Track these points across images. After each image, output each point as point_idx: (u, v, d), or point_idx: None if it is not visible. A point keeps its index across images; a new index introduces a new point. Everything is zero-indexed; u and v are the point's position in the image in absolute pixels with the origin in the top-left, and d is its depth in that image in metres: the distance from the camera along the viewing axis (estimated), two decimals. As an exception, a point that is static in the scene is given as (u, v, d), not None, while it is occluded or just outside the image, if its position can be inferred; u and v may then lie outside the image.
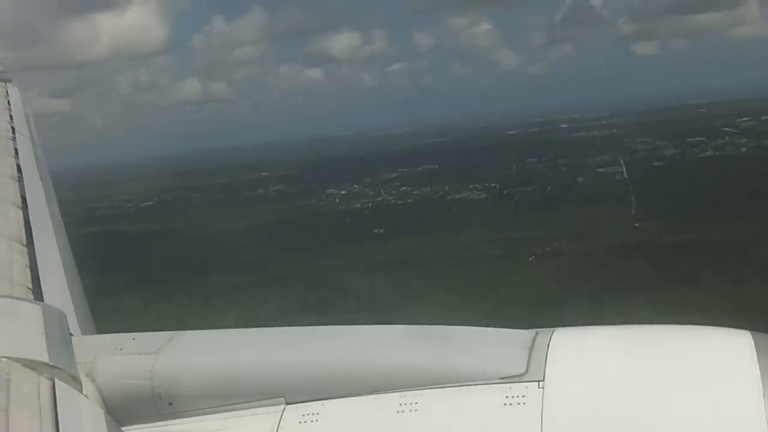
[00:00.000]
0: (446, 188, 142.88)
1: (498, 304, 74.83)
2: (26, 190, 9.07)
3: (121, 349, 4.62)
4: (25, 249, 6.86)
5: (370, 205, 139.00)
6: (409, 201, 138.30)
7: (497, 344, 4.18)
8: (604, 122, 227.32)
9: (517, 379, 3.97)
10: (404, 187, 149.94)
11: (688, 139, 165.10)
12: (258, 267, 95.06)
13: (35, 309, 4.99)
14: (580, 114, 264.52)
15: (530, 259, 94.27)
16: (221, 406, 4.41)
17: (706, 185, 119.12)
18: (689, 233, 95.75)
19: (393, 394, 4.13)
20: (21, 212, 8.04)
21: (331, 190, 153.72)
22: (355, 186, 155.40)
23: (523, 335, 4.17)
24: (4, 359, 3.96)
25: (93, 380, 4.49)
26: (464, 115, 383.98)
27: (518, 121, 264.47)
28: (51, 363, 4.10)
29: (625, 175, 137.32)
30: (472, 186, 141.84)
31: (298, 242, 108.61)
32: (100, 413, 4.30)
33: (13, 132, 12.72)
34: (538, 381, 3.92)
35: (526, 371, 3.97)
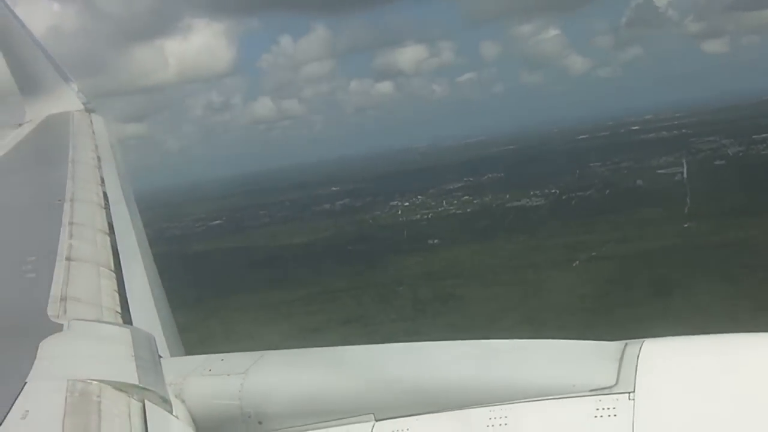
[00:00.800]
0: (507, 196, 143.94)
1: (530, 313, 76.94)
2: (113, 217, 9.51)
3: (210, 370, 4.70)
4: (114, 274, 7.11)
5: (429, 215, 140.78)
6: (468, 210, 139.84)
7: (586, 356, 4.16)
8: (675, 122, 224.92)
9: (607, 391, 3.95)
10: (466, 197, 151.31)
11: (754, 136, 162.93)
12: (305, 281, 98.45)
13: (124, 332, 5.12)
14: (653, 115, 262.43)
15: (574, 264, 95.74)
16: (310, 424, 4.47)
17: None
18: (734, 232, 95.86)
19: (482, 409, 4.13)
20: (108, 238, 8.40)
21: (395, 202, 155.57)
22: (419, 197, 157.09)
23: (612, 347, 4.15)
24: (95, 382, 4.02)
25: (183, 401, 4.57)
26: (538, 122, 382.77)
27: (592, 125, 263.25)
28: (141, 385, 4.19)
29: (684, 176, 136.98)
30: (532, 193, 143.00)
31: (349, 255, 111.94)
32: None
33: (99, 161, 13.47)
34: (629, 393, 3.90)
35: (616, 383, 3.95)
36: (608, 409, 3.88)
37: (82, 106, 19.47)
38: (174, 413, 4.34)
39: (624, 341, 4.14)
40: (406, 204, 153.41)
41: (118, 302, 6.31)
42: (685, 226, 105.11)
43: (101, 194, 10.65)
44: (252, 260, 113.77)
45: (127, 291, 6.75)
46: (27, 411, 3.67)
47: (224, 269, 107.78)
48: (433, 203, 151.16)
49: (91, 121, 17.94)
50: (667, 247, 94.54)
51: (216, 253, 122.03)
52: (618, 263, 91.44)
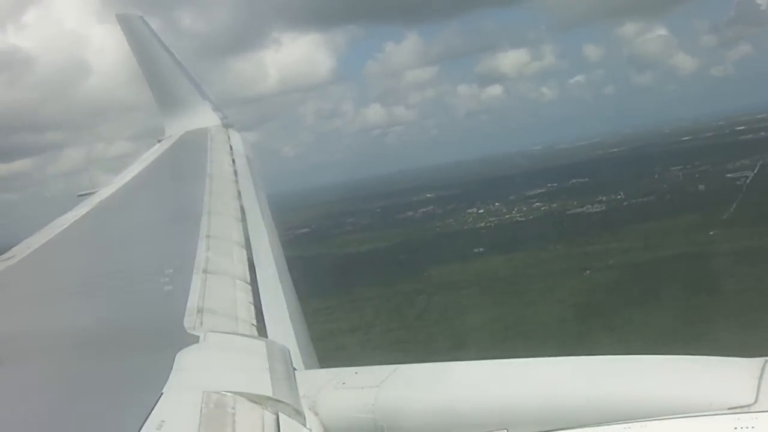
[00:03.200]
0: (574, 202, 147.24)
1: (516, 325, 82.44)
2: (249, 230, 9.61)
3: (344, 383, 4.74)
4: (249, 287, 7.21)
5: (494, 223, 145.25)
6: (531, 218, 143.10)
7: (724, 373, 4.07)
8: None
9: (746, 409, 3.80)
10: (537, 203, 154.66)
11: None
12: (338, 290, 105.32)
13: (260, 345, 5.27)
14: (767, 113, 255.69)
15: (585, 273, 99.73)
16: None
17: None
18: (749, 241, 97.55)
19: (618, 426, 4.05)
20: (245, 251, 8.49)
21: (472, 209, 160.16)
22: (497, 204, 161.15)
23: (751, 363, 4.00)
24: (230, 394, 4.12)
25: (316, 414, 4.61)
26: (654, 122, 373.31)
27: (704, 124, 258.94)
28: (275, 397, 4.29)
29: (747, 181, 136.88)
30: (597, 199, 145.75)
31: (393, 265, 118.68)
32: None
33: (236, 175, 13.76)
34: None
35: (756, 401, 3.81)
36: (748, 428, 3.72)
37: (219, 122, 20.16)
38: (308, 426, 4.43)
39: (764, 358, 4.02)
40: (481, 211, 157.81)
41: (253, 315, 6.39)
42: (711, 233, 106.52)
43: (238, 208, 10.88)
44: (305, 269, 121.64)
45: (262, 303, 6.83)
46: (163, 421, 3.76)
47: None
48: (504, 210, 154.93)
49: (228, 137, 18.46)
50: (669, 256, 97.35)
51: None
52: (618, 273, 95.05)
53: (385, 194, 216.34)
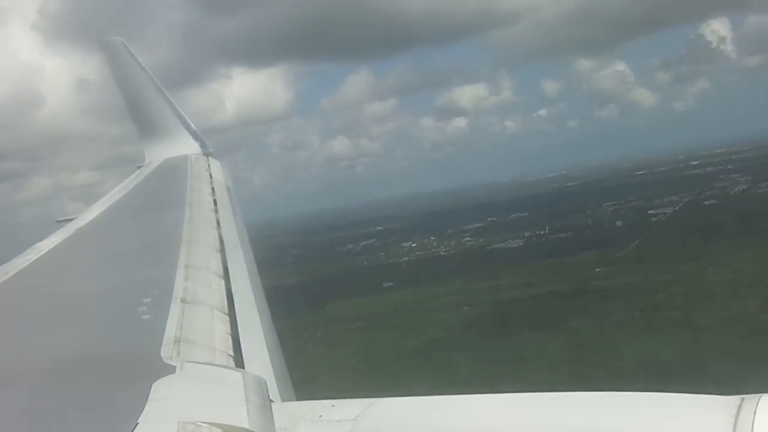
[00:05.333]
0: (499, 238, 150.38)
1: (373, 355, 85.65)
2: (228, 261, 9.58)
3: (320, 416, 4.68)
4: (227, 317, 7.13)
5: (419, 257, 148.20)
6: (452, 252, 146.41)
7: (700, 410, 3.99)
8: (732, 158, 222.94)
9: None
10: (467, 237, 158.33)
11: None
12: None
13: (236, 376, 5.16)
14: (726, 149, 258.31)
15: (464, 308, 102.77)
16: None
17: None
18: (631, 277, 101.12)
19: None
20: (223, 282, 8.48)
21: (407, 243, 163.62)
22: (432, 238, 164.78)
23: (729, 401, 3.96)
24: (205, 425, 4.06)
25: None
26: (620, 155, 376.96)
27: (665, 158, 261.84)
28: (251, 429, 4.20)
29: (662, 218, 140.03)
30: (523, 234, 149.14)
31: (302, 298, 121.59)
32: None
33: (215, 204, 13.53)
34: None
35: None
36: None
37: (199, 150, 19.90)
38: None
39: (741, 396, 3.96)
40: (413, 245, 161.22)
41: (230, 345, 6.35)
42: (596, 270, 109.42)
43: (217, 238, 10.79)
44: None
45: (239, 334, 6.80)
46: None
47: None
48: (435, 245, 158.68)
49: (208, 165, 18.28)
50: (544, 293, 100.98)
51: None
52: (489, 309, 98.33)
53: (341, 226, 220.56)
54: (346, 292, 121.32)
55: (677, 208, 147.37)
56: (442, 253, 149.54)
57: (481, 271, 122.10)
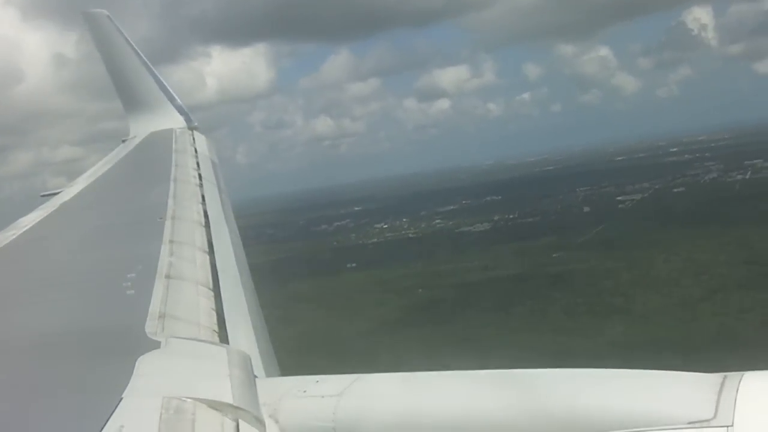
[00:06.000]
0: (470, 221, 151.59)
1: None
2: (213, 236, 9.39)
3: (304, 392, 4.65)
4: (212, 293, 7.05)
5: (388, 239, 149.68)
6: (421, 235, 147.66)
7: (683, 387, 3.98)
8: (712, 145, 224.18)
9: (705, 423, 3.77)
10: (438, 220, 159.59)
11: (746, 162, 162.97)
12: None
13: (221, 351, 5.15)
14: (707, 136, 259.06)
15: (419, 291, 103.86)
16: None
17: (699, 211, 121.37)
18: (585, 264, 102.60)
19: None
20: (208, 257, 8.33)
21: (380, 225, 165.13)
22: (404, 220, 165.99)
23: (711, 378, 3.97)
24: (190, 400, 4.06)
25: (277, 422, 4.55)
26: (603, 140, 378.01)
27: (647, 144, 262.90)
28: (235, 404, 4.19)
29: (630, 205, 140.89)
30: (492, 218, 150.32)
31: (265, 279, 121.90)
32: None
33: (200, 178, 13.35)
34: (727, 426, 3.73)
35: (715, 416, 3.77)
36: None
37: (184, 124, 19.66)
38: None
39: (723, 373, 3.98)
40: (385, 227, 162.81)
41: (215, 321, 6.27)
42: (554, 256, 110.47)
43: (202, 212, 10.69)
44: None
45: (224, 310, 6.70)
46: (122, 426, 3.73)
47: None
48: (406, 226, 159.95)
49: (193, 139, 18.12)
50: (500, 276, 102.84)
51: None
52: (441, 293, 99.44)
53: (321, 206, 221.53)
54: (310, 272, 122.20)
55: (646, 195, 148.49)
56: (410, 235, 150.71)
57: (443, 254, 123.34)
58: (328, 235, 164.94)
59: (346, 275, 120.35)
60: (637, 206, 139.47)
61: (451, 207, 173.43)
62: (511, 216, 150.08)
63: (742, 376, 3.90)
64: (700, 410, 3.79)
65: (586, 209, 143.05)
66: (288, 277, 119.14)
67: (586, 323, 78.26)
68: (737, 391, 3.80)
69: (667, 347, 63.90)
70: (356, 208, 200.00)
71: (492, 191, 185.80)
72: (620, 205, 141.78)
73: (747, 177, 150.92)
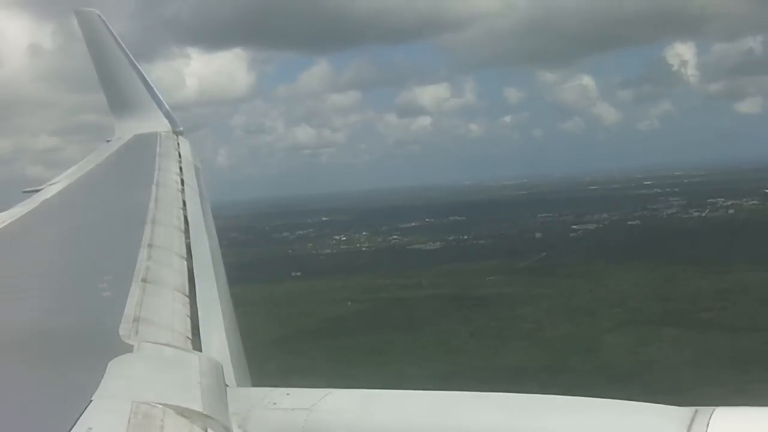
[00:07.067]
0: (424, 239, 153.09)
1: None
2: (192, 242, 9.35)
3: (274, 404, 4.67)
4: (187, 299, 6.98)
5: (341, 251, 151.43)
6: (373, 249, 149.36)
7: (656, 419, 3.97)
8: (685, 181, 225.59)
9: None
10: (395, 236, 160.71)
11: (709, 200, 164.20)
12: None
13: (193, 358, 5.13)
14: (684, 171, 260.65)
15: (348, 303, 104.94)
16: None
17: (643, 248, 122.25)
18: (514, 288, 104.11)
19: None
20: (185, 263, 8.27)
21: (339, 236, 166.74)
22: (364, 233, 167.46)
23: (682, 412, 3.94)
24: (159, 405, 4.01)
25: None
26: (582, 170, 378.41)
27: (625, 176, 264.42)
28: (204, 412, 4.15)
29: (578, 234, 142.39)
30: (447, 237, 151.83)
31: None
32: None
33: (182, 184, 13.29)
34: None
35: None
36: None
37: (169, 128, 19.70)
38: None
39: (695, 407, 3.95)
40: (344, 238, 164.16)
41: (189, 327, 6.19)
42: (488, 279, 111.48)
43: (182, 218, 10.67)
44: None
45: (199, 317, 6.65)
46: (90, 428, 3.68)
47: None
48: (362, 240, 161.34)
49: (177, 144, 18.11)
50: (429, 295, 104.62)
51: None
52: (369, 306, 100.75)
53: (291, 214, 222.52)
54: (255, 277, 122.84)
55: (600, 225, 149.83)
56: (363, 248, 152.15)
57: (386, 269, 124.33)
58: (286, 243, 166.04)
59: (287, 283, 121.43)
60: (587, 236, 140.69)
61: (413, 224, 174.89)
62: (464, 237, 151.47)
63: (713, 411, 3.91)
64: None
65: (538, 235, 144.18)
66: (231, 281, 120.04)
67: (485, 346, 79.54)
68: (707, 425, 3.80)
69: (551, 373, 65.11)
70: (323, 219, 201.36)
71: (458, 211, 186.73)
72: (572, 234, 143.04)
73: (704, 214, 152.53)
